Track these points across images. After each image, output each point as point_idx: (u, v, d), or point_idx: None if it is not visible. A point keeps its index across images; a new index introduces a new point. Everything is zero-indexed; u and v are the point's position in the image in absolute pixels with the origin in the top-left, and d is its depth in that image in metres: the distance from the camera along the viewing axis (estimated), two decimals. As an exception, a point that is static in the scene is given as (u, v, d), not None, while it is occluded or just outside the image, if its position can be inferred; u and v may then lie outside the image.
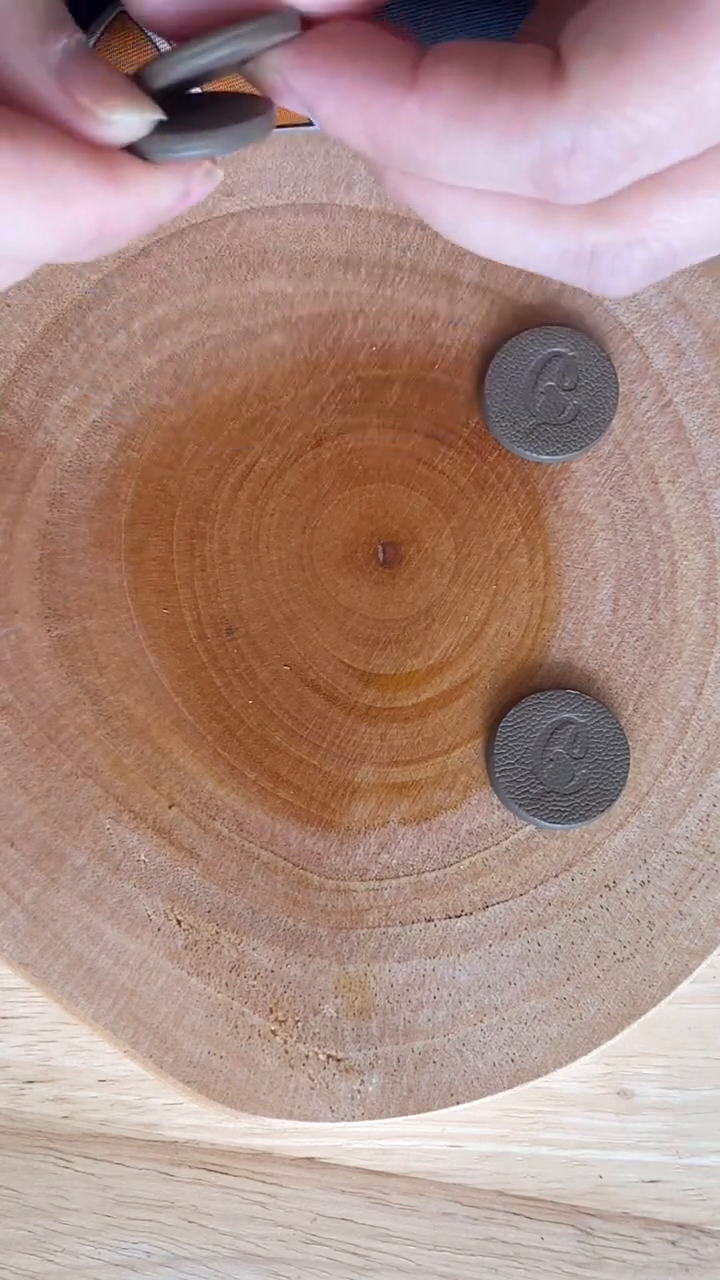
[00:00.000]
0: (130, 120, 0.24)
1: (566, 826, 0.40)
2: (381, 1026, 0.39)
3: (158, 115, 0.24)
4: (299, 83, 0.25)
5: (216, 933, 0.39)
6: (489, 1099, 0.39)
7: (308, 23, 0.25)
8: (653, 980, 0.40)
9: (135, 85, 0.24)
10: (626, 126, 0.23)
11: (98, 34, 0.43)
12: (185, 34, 0.25)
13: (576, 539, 0.43)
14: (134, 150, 0.24)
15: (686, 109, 0.22)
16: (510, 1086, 0.39)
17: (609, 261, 0.26)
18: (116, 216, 0.24)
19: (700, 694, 0.42)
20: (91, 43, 0.43)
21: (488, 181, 0.24)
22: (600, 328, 0.44)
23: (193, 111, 0.25)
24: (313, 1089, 0.39)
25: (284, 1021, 0.39)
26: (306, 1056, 0.39)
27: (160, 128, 0.24)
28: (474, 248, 0.27)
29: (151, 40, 0.43)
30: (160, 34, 0.26)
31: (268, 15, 0.24)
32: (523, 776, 0.40)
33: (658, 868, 0.41)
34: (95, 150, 0.24)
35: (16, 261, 0.25)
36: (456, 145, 0.24)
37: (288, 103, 0.25)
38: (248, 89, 0.26)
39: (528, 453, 0.42)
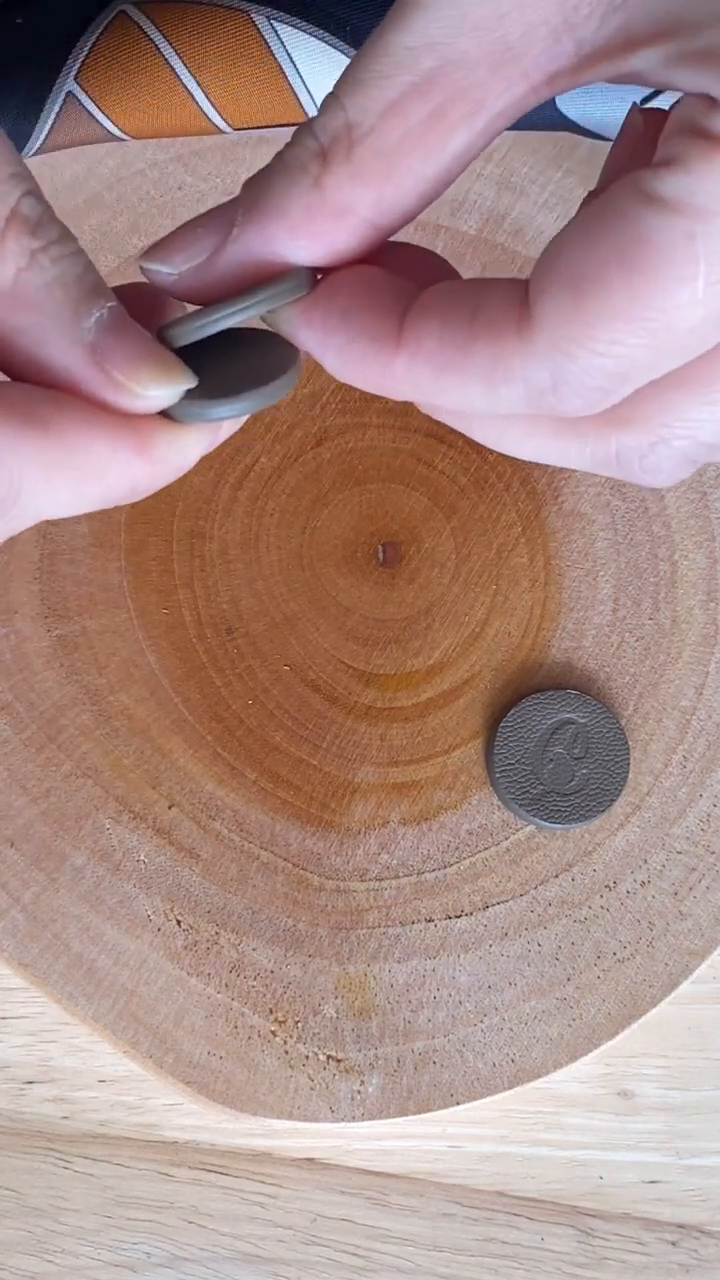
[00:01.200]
0: (162, 393, 0.25)
1: (567, 826, 0.40)
2: (381, 1027, 0.39)
3: (188, 383, 0.25)
4: (305, 339, 0.26)
5: (216, 933, 0.39)
6: (489, 1099, 0.39)
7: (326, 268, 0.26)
8: (653, 980, 0.40)
9: (166, 353, 0.25)
10: (601, 360, 0.23)
11: (96, 35, 0.43)
12: (202, 300, 0.26)
13: (577, 539, 0.43)
14: (164, 412, 0.25)
15: (657, 336, 0.22)
16: (510, 1087, 0.39)
17: (638, 462, 0.26)
18: (146, 480, 0.25)
19: (700, 694, 0.42)
20: (90, 43, 0.43)
21: (495, 412, 0.25)
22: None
23: (218, 356, 0.26)
24: (313, 1089, 0.39)
25: (284, 1022, 0.39)
26: (306, 1057, 0.39)
27: (188, 391, 0.25)
28: (519, 456, 0.28)
29: (155, 44, 0.43)
30: (177, 298, 0.26)
31: (281, 279, 0.25)
32: (523, 776, 0.40)
33: (658, 868, 0.41)
34: (126, 422, 0.25)
35: (39, 518, 0.25)
36: (451, 392, 0.25)
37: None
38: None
39: None
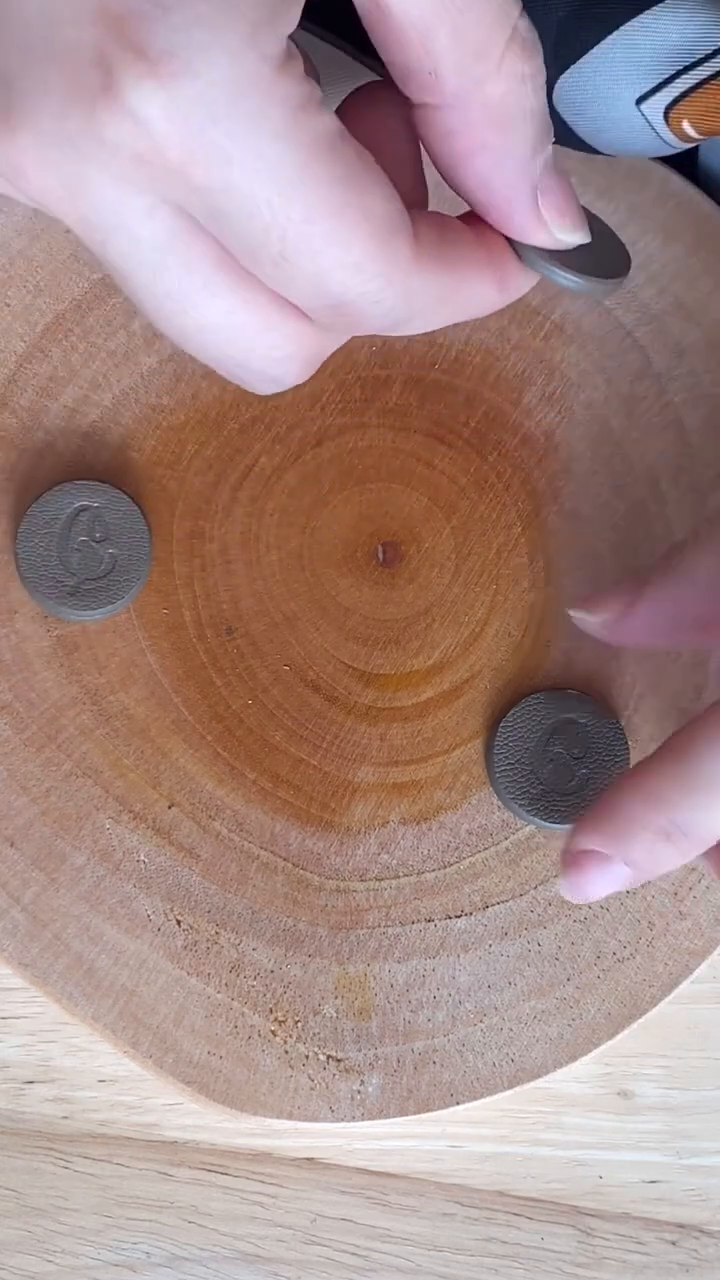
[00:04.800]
0: (572, 239, 0.28)
1: (566, 826, 0.40)
2: (381, 1027, 0.39)
3: (586, 239, 0.28)
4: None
5: (216, 933, 0.39)
6: (489, 1099, 0.39)
7: None
8: (653, 980, 0.40)
9: (581, 208, 0.28)
10: None
11: None
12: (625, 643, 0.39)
13: (576, 539, 0.43)
14: (513, 243, 0.28)
15: None
16: (510, 1087, 0.39)
17: None
18: (492, 307, 0.29)
19: (700, 694, 0.42)
20: None
21: None
22: (600, 329, 0.44)
23: None
24: (313, 1089, 0.39)
25: (284, 1022, 0.39)
26: (306, 1057, 0.39)
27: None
28: None
29: None
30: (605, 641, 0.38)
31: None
32: (522, 776, 0.40)
33: (658, 868, 0.41)
34: (495, 262, 0.28)
35: (408, 334, 0.29)
36: None
37: None
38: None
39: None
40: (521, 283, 0.29)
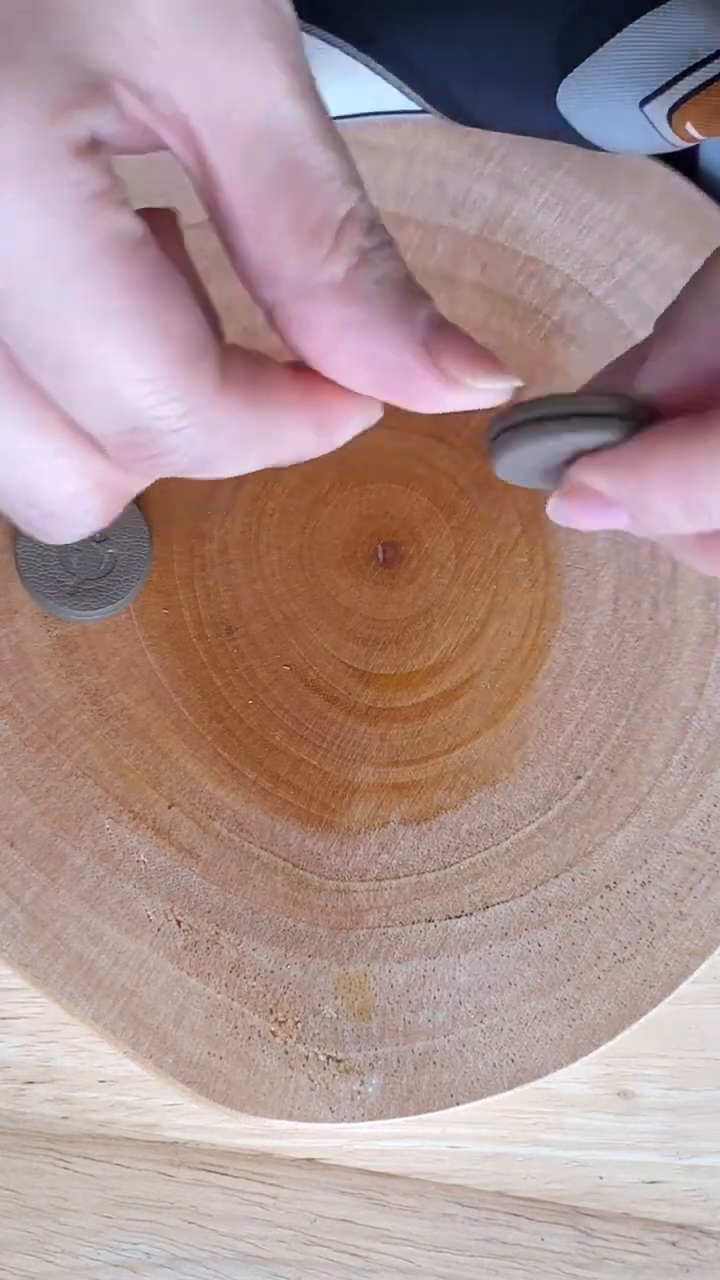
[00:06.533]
0: (496, 386, 0.26)
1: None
2: (381, 1027, 0.39)
3: (516, 382, 0.27)
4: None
5: (216, 933, 0.39)
6: (489, 1099, 0.39)
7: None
8: (653, 981, 0.40)
9: (491, 352, 0.27)
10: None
11: None
12: None
13: (576, 539, 0.43)
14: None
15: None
16: (510, 1087, 0.39)
17: None
18: (313, 453, 0.27)
19: (701, 694, 0.42)
20: None
21: None
22: (601, 329, 0.44)
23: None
24: (313, 1090, 0.38)
25: (284, 1022, 0.39)
26: (306, 1057, 0.39)
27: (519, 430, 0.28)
28: None
29: None
30: None
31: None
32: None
33: (658, 868, 0.41)
34: (311, 402, 0.26)
35: (220, 476, 0.26)
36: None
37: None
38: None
39: None
40: (343, 427, 0.27)
